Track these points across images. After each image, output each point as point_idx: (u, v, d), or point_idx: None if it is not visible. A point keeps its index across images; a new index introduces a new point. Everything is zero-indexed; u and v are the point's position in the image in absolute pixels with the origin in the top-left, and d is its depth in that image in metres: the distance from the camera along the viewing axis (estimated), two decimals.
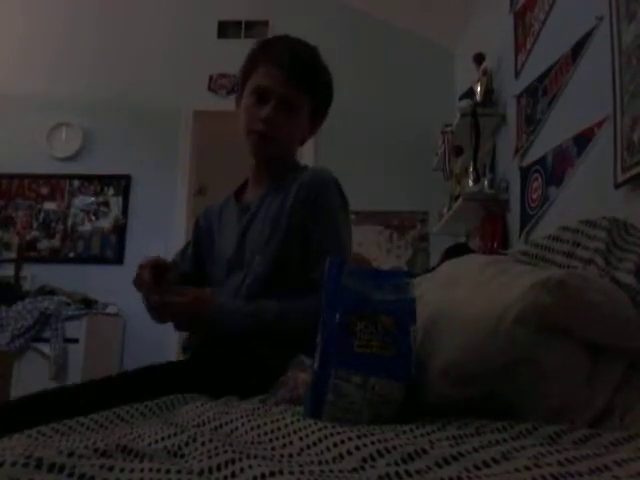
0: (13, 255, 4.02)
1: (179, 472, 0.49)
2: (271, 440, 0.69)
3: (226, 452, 0.57)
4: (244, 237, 1.40)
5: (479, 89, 3.19)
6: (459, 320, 0.89)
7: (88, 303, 3.65)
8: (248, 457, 0.55)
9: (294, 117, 1.41)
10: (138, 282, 1.26)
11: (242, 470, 0.51)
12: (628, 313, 0.87)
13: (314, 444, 0.65)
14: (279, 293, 1.31)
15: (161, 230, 4.08)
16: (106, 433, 0.77)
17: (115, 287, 3.56)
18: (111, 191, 4.24)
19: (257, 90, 1.39)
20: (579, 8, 2.28)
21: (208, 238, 1.53)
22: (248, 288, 1.34)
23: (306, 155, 4.21)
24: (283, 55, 1.39)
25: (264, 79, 1.39)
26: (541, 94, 2.57)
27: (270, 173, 1.47)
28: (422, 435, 0.70)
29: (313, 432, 0.68)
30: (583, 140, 2.17)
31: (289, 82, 1.37)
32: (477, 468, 0.54)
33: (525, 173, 2.71)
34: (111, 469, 0.50)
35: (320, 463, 0.59)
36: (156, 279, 1.25)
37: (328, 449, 0.63)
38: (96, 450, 0.57)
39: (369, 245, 4.03)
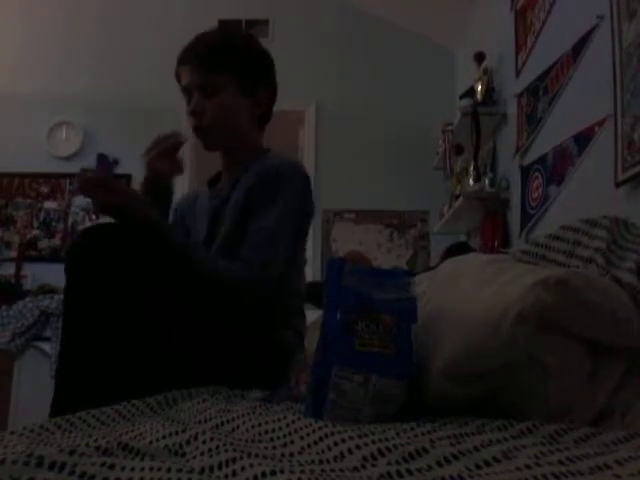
0: (13, 254, 4.01)
1: (180, 471, 0.50)
2: (272, 439, 0.69)
3: (227, 451, 0.57)
4: (215, 222, 1.41)
5: (480, 88, 3.19)
6: (460, 319, 0.89)
7: None
8: (249, 456, 0.55)
9: (219, 99, 1.42)
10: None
11: (243, 469, 0.51)
12: (629, 312, 0.87)
13: (315, 443, 0.65)
14: None
15: None
16: (107, 430, 0.77)
17: None
18: None
19: (183, 93, 1.47)
20: (580, 7, 2.28)
21: (182, 226, 1.55)
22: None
23: (307, 154, 4.22)
24: (184, 50, 1.46)
25: (182, 80, 1.46)
26: (542, 93, 2.57)
27: (234, 160, 1.49)
28: (423, 434, 0.70)
29: (314, 431, 0.68)
30: (584, 139, 2.16)
31: (197, 71, 1.41)
32: (478, 467, 0.54)
33: (526, 172, 2.71)
34: (112, 467, 0.50)
35: (321, 462, 0.59)
36: None
37: (329, 448, 0.63)
38: (97, 448, 0.57)
39: (369, 244, 4.03)
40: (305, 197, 1.40)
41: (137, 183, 4.25)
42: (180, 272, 1.21)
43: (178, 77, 1.49)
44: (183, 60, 1.45)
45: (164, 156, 1.42)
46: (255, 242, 1.30)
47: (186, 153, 4.24)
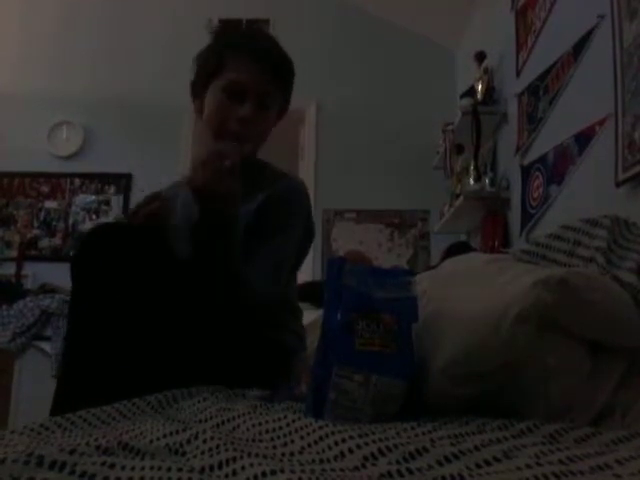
0: (14, 254, 4.02)
1: (180, 470, 0.50)
2: (272, 438, 0.69)
3: (227, 450, 0.57)
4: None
5: (480, 87, 3.18)
6: (460, 318, 0.89)
7: None
8: (249, 455, 0.55)
9: (268, 114, 1.33)
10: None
11: (243, 468, 0.51)
12: (629, 312, 0.87)
13: (315, 442, 0.65)
14: None
15: None
16: (108, 429, 0.77)
17: None
18: (112, 190, 4.24)
19: (230, 86, 1.28)
20: (580, 6, 2.28)
21: None
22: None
23: (307, 154, 4.22)
24: (259, 48, 1.30)
25: (240, 74, 1.28)
26: (542, 92, 2.57)
27: None
28: (423, 433, 0.70)
29: (314, 430, 0.68)
30: (584, 139, 2.16)
31: (269, 78, 1.29)
32: (478, 466, 0.54)
33: (526, 171, 2.71)
34: (112, 467, 0.50)
35: (321, 461, 0.59)
36: None
37: (329, 447, 0.63)
38: (98, 447, 0.57)
39: (370, 244, 4.03)
40: (311, 220, 1.42)
41: (137, 182, 4.26)
42: (183, 273, 1.22)
43: (220, 61, 1.30)
44: (252, 55, 1.28)
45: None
46: (268, 265, 1.28)
47: (187, 152, 4.24)
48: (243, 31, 1.40)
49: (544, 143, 2.53)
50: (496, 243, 2.98)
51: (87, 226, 4.19)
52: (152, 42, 4.34)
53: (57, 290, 3.58)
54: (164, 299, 1.17)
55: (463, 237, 3.72)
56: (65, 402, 1.06)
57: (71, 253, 4.13)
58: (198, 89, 1.38)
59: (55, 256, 4.15)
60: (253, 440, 0.69)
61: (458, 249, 2.69)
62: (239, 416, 0.79)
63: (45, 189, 4.26)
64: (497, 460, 0.55)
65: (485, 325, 0.82)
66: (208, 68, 1.34)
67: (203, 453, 0.59)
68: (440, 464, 0.55)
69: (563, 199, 2.33)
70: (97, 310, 1.11)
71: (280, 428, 0.72)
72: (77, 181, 4.27)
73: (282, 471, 0.49)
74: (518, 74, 2.90)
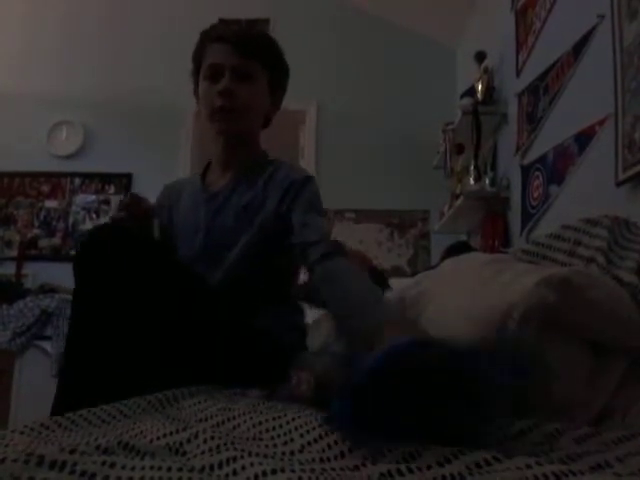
0: (14, 253, 4.02)
1: (180, 470, 0.49)
2: (272, 437, 0.69)
3: (227, 450, 0.57)
4: (212, 227, 1.39)
5: (480, 87, 3.18)
6: (462, 318, 0.89)
7: None
8: (250, 455, 0.55)
9: (251, 85, 1.39)
10: None
11: (243, 468, 0.51)
12: (630, 311, 0.87)
13: (315, 441, 0.65)
14: (251, 284, 1.34)
15: None
16: (108, 429, 0.77)
17: None
18: (112, 189, 4.24)
19: (209, 70, 1.39)
20: (580, 6, 2.28)
21: (167, 216, 1.51)
22: (220, 281, 1.34)
23: (307, 154, 4.22)
24: (225, 30, 1.41)
25: (212, 57, 1.39)
26: (542, 92, 2.57)
27: (237, 158, 1.45)
28: None
29: (314, 429, 0.68)
30: (584, 138, 2.16)
31: (236, 52, 1.37)
32: (478, 466, 0.54)
33: (526, 171, 2.70)
34: (112, 466, 0.50)
35: (322, 460, 0.59)
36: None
37: (329, 447, 0.63)
38: (98, 447, 0.57)
39: (370, 244, 4.03)
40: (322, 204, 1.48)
41: (137, 182, 4.25)
42: (185, 275, 1.22)
43: (200, 55, 1.42)
44: (221, 39, 1.39)
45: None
46: (321, 231, 1.32)
47: (187, 152, 4.24)
48: (217, 25, 1.47)
49: (544, 143, 2.53)
50: (496, 243, 2.98)
51: (87, 226, 4.19)
52: (152, 42, 4.34)
53: (57, 290, 3.58)
54: (165, 299, 1.17)
55: (463, 237, 3.71)
56: (66, 401, 1.06)
57: (71, 253, 4.13)
58: (194, 81, 1.47)
59: (55, 256, 4.15)
60: (253, 439, 0.69)
61: (458, 249, 2.69)
62: (239, 415, 0.79)
63: (45, 189, 4.26)
64: (497, 460, 0.55)
65: (488, 324, 0.82)
66: (194, 61, 1.45)
67: (203, 452, 0.59)
68: (440, 464, 0.55)
69: (563, 199, 2.33)
70: (98, 310, 1.12)
71: (280, 427, 0.72)
72: (77, 181, 4.26)
73: (282, 470, 0.49)
74: (518, 74, 2.90)
